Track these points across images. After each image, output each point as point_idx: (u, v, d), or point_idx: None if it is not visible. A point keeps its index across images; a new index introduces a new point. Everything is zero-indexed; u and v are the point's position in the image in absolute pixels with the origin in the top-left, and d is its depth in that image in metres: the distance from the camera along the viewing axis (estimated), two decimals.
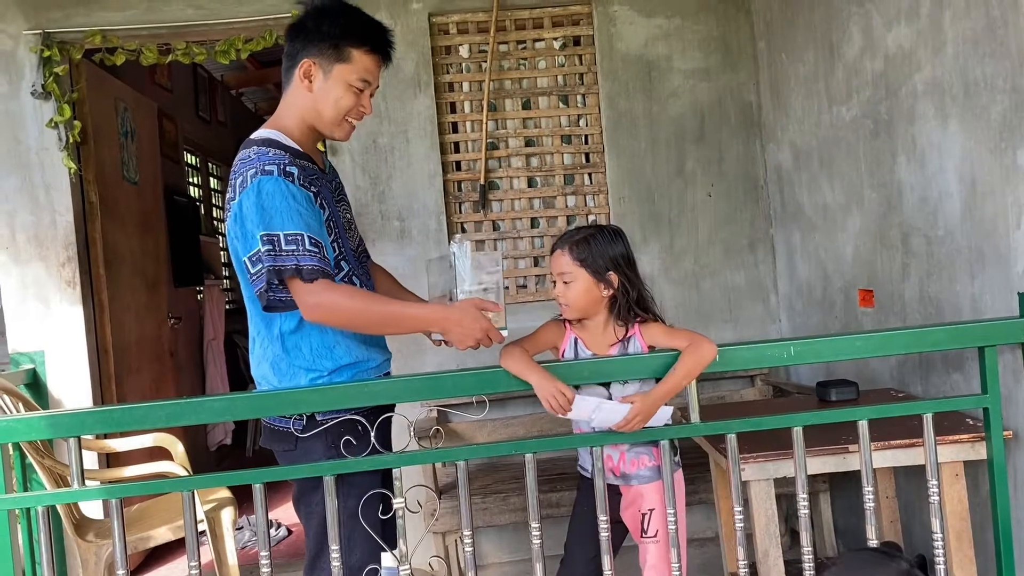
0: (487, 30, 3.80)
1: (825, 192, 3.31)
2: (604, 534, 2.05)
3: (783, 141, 3.67)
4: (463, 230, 3.87)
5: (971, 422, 2.33)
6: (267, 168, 1.88)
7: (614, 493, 2.25)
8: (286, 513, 4.69)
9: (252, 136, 2.00)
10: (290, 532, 4.42)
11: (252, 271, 1.89)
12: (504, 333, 1.98)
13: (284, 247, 1.85)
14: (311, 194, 1.93)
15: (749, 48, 3.90)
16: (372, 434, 1.96)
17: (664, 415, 2.04)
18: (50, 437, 2.06)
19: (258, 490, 2.01)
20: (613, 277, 2.14)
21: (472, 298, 1.96)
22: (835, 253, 3.27)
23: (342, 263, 2.03)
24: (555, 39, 3.90)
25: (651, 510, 2.20)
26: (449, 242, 3.59)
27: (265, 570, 2.02)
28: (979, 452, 2.22)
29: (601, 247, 2.15)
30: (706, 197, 3.91)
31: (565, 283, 2.14)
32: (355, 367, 2.03)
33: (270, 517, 4.51)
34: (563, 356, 2.19)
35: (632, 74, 3.86)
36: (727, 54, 3.90)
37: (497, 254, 2.07)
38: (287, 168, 1.89)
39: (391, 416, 2.04)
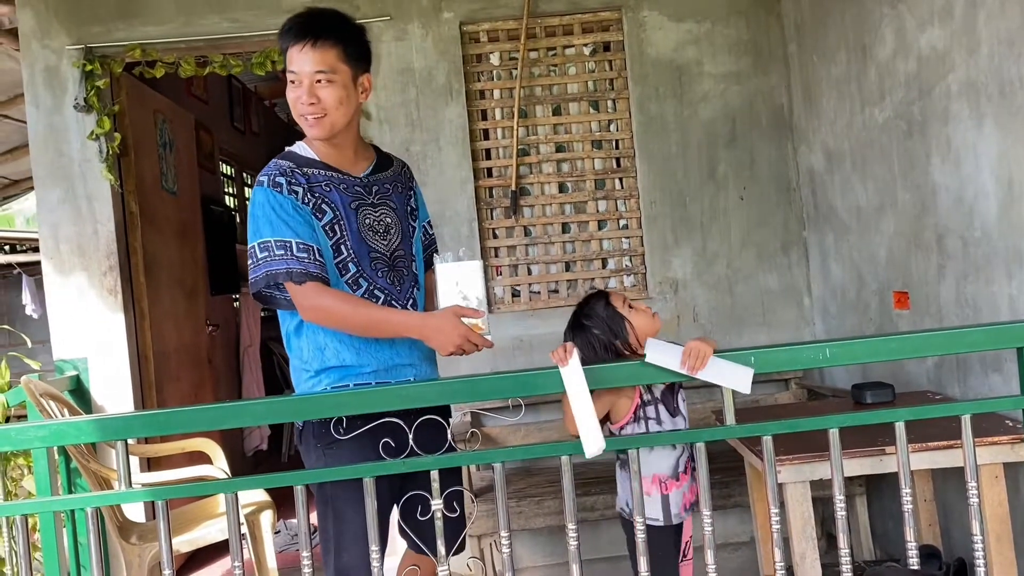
0: (517, 37, 3.83)
1: (858, 194, 3.29)
2: (639, 534, 2.05)
3: (815, 143, 3.66)
4: (495, 236, 3.90)
5: (1010, 423, 2.31)
6: (260, 179, 2.05)
7: (678, 533, 2.27)
8: None
9: None
10: None
11: (250, 275, 2.05)
12: (488, 338, 2.01)
13: (275, 252, 2.00)
14: (298, 202, 2.02)
15: (780, 51, 3.89)
16: (387, 439, 1.95)
17: (744, 374, 1.95)
18: (98, 440, 2.12)
19: (298, 491, 2.04)
20: None
21: (452, 306, 2.00)
22: (869, 255, 3.25)
23: (350, 265, 2.09)
24: (585, 45, 3.93)
25: (691, 536, 2.31)
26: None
27: (307, 571, 2.05)
28: (1019, 454, 2.20)
29: None
30: (738, 200, 3.90)
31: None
32: (343, 370, 2.09)
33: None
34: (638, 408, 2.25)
35: (662, 79, 3.87)
36: (758, 57, 3.90)
37: (477, 263, 2.08)
38: (275, 178, 2.03)
39: (395, 422, 1.95)
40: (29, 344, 3.78)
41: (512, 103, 3.84)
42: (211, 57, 3.81)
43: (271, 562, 3.20)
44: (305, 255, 1.99)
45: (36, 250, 8.36)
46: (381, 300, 2.12)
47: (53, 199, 3.74)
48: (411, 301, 2.21)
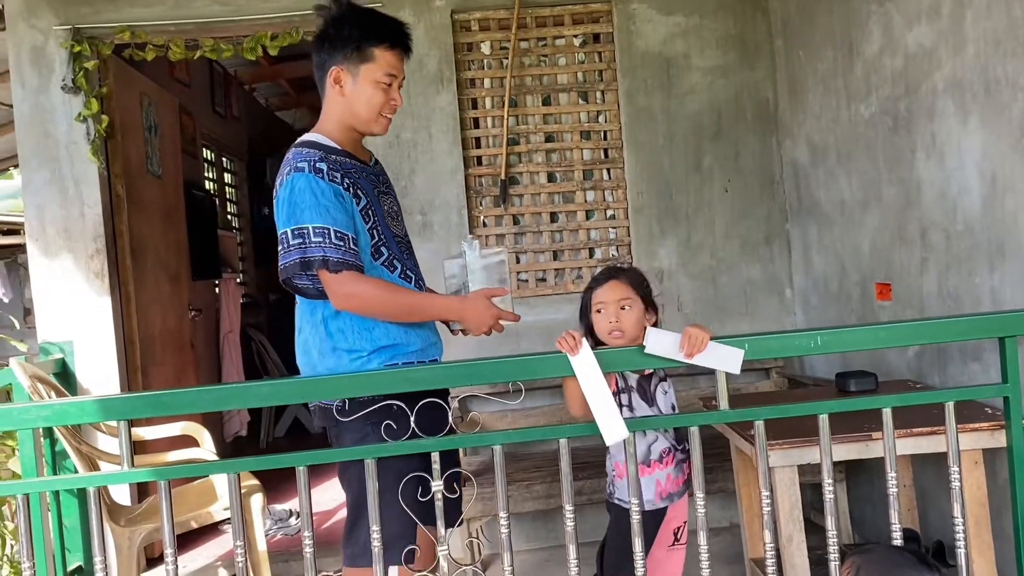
0: (509, 27, 3.86)
1: (842, 187, 3.37)
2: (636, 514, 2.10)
3: (799, 137, 3.73)
4: (484, 224, 3.93)
5: (989, 411, 2.40)
6: (299, 165, 2.07)
7: (655, 520, 2.32)
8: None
9: (297, 140, 2.19)
10: None
11: (281, 261, 2.08)
12: (517, 313, 2.21)
13: (312, 239, 2.03)
14: (340, 188, 2.08)
15: (766, 46, 3.96)
16: (412, 419, 2.02)
17: (735, 356, 2.01)
18: (101, 420, 2.13)
19: (301, 472, 2.07)
20: (654, 308, 2.32)
21: (482, 288, 2.16)
22: (852, 247, 3.33)
23: (382, 248, 2.17)
24: (575, 36, 3.97)
25: (684, 523, 2.37)
26: (469, 237, 3.69)
27: (308, 550, 2.07)
28: (998, 440, 2.27)
29: (644, 279, 2.33)
30: (723, 192, 3.97)
31: (623, 309, 2.25)
32: (393, 349, 2.16)
33: (288, 507, 4.59)
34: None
35: (651, 71, 3.92)
36: (744, 51, 3.96)
37: (502, 249, 2.25)
38: (316, 164, 2.07)
39: (435, 401, 2.08)
40: (17, 326, 3.75)
41: (503, 92, 3.87)
42: (201, 41, 3.79)
43: (261, 545, 3.22)
44: (341, 243, 2.04)
45: (4, 233, 8.23)
46: (413, 281, 2.24)
47: (39, 180, 3.71)
48: (423, 283, 2.32)
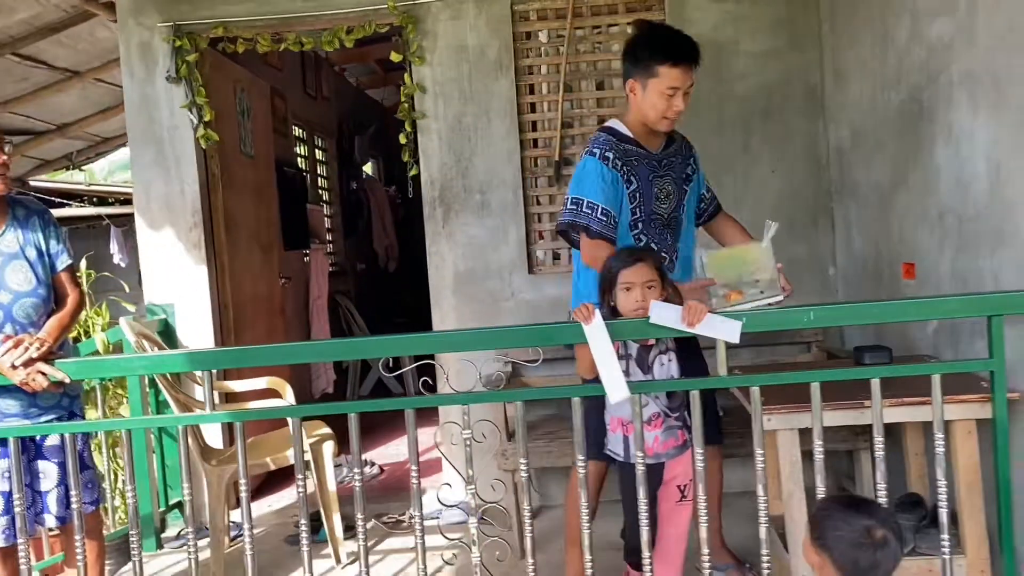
0: (565, 16, 4.11)
1: (877, 171, 3.51)
2: (641, 466, 2.38)
3: (843, 121, 3.86)
4: (538, 203, 4.22)
5: (985, 384, 2.55)
6: (593, 150, 2.78)
7: (656, 473, 2.57)
8: (381, 454, 5.23)
9: (603, 123, 2.94)
10: (382, 471, 4.93)
11: (560, 218, 2.81)
12: (712, 302, 2.47)
13: (584, 209, 2.72)
14: (618, 175, 2.73)
15: (815, 30, 4.07)
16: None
17: (734, 327, 2.26)
18: (189, 370, 2.54)
19: (353, 419, 2.41)
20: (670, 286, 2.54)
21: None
22: (885, 229, 3.48)
23: (639, 223, 2.81)
24: (628, 23, 4.17)
25: (690, 481, 2.57)
26: (524, 215, 3.95)
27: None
28: (987, 411, 2.44)
29: (662, 260, 2.69)
30: (770, 174, 4.13)
31: (649, 288, 2.48)
32: None
33: (365, 456, 5.03)
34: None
35: (701, 56, 4.08)
36: (793, 36, 4.09)
37: (714, 252, 2.67)
38: (605, 153, 2.74)
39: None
40: (127, 289, 4.27)
41: (558, 78, 4.13)
42: (285, 34, 4.18)
43: (331, 485, 3.63)
44: (604, 218, 2.71)
45: (122, 203, 8.96)
46: (659, 251, 2.83)
47: (146, 160, 4.20)
48: (675, 254, 2.92)
